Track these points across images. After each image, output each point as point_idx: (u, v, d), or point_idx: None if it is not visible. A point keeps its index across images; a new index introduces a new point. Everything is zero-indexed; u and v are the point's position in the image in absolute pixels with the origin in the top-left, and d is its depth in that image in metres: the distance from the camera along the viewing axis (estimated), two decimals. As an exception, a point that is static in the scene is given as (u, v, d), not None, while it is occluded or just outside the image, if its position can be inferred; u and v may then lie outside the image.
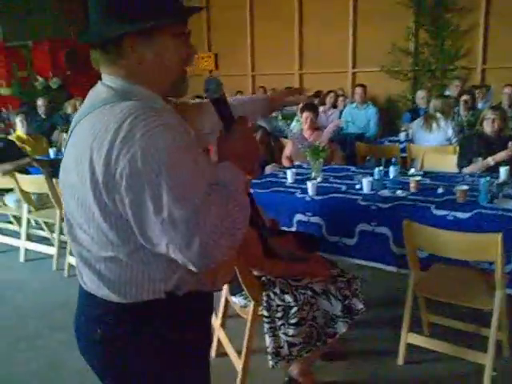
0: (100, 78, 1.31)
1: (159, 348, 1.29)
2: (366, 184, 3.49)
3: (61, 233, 4.37)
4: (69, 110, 7.84)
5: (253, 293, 2.43)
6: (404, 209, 3.12)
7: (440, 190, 3.36)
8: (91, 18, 1.25)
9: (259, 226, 2.42)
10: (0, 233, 5.11)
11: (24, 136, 5.75)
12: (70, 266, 4.18)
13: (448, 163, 4.51)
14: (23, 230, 4.59)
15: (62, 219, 4.31)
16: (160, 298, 1.25)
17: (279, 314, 2.36)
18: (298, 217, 3.47)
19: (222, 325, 2.85)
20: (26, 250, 4.64)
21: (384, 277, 3.50)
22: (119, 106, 1.15)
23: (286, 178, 3.93)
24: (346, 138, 6.65)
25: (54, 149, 5.62)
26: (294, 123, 6.26)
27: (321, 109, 7.46)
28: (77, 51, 10.56)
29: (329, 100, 7.41)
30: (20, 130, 5.80)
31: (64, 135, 6.88)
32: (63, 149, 1.32)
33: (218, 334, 2.86)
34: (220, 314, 2.85)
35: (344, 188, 3.63)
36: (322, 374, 2.71)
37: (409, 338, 2.71)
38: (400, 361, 2.74)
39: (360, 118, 7.17)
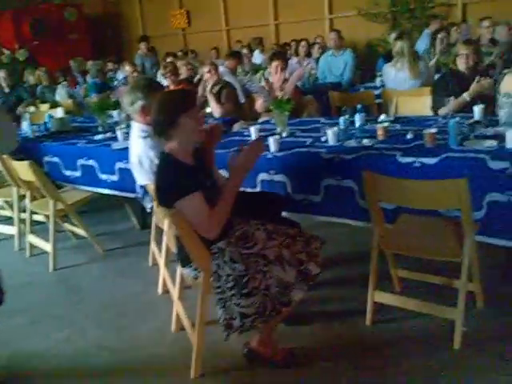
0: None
1: None
2: (330, 135, 3.26)
3: (21, 211, 4.17)
4: (32, 81, 7.50)
5: (202, 263, 2.24)
6: (369, 159, 2.91)
7: (409, 136, 3.13)
8: None
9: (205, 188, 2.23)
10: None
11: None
12: (32, 245, 4.00)
13: (424, 107, 4.27)
14: (-18, 211, 4.39)
15: (20, 197, 4.09)
16: None
17: (230, 284, 2.17)
18: (262, 176, 3.26)
19: (180, 297, 2.68)
20: (-11, 231, 4.45)
21: (353, 232, 3.33)
22: None
23: (250, 135, 3.70)
24: (321, 89, 6.35)
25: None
26: (258, 75, 5.94)
27: (295, 59, 7.15)
28: (43, 20, 10.09)
29: (301, 49, 7.04)
30: (-24, 105, 5.51)
31: (32, 108, 6.58)
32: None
33: (176, 307, 2.69)
34: (177, 286, 2.67)
35: (309, 141, 3.40)
36: (286, 341, 2.54)
37: (376, 296, 2.54)
38: (368, 321, 2.58)
39: (337, 65, 6.82)
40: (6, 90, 7.03)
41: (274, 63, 4.65)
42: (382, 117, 3.67)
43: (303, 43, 7.12)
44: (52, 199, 3.62)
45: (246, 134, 3.85)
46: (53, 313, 3.19)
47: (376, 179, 2.32)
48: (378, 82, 5.79)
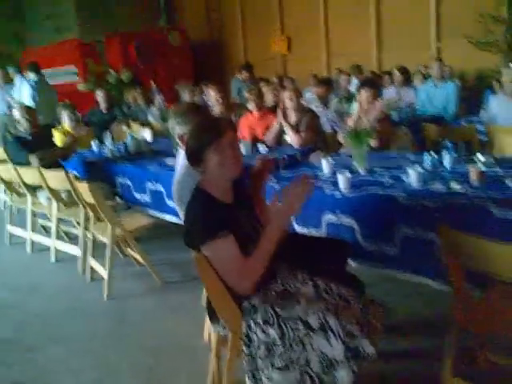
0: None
1: None
2: (413, 176, 2.79)
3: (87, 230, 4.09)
4: (130, 101, 7.69)
5: (230, 322, 1.88)
6: (457, 209, 2.40)
7: (510, 184, 2.57)
8: None
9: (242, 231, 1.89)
10: (38, 232, 4.93)
11: (70, 130, 5.59)
12: (93, 270, 3.88)
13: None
14: (53, 229, 4.38)
15: (87, 217, 4.01)
16: None
17: (261, 353, 1.79)
18: (328, 217, 2.85)
19: (218, 354, 2.32)
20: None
21: (437, 293, 2.79)
22: None
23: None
24: (419, 121, 5.78)
25: (97, 143, 5.34)
26: (333, 102, 5.51)
27: (392, 88, 6.64)
28: (148, 44, 10.49)
29: (399, 78, 6.50)
30: (67, 123, 5.66)
31: (124, 128, 6.69)
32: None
33: (212, 363, 2.34)
34: (214, 341, 2.32)
35: (388, 182, 2.94)
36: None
37: (451, 384, 2.01)
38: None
39: (438, 97, 6.21)
40: (104, 110, 7.24)
41: (364, 93, 4.24)
42: (480, 157, 3.10)
43: (401, 72, 6.56)
44: (110, 224, 3.47)
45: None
46: (91, 347, 2.98)
47: (455, 237, 1.83)
48: (483, 116, 5.12)
